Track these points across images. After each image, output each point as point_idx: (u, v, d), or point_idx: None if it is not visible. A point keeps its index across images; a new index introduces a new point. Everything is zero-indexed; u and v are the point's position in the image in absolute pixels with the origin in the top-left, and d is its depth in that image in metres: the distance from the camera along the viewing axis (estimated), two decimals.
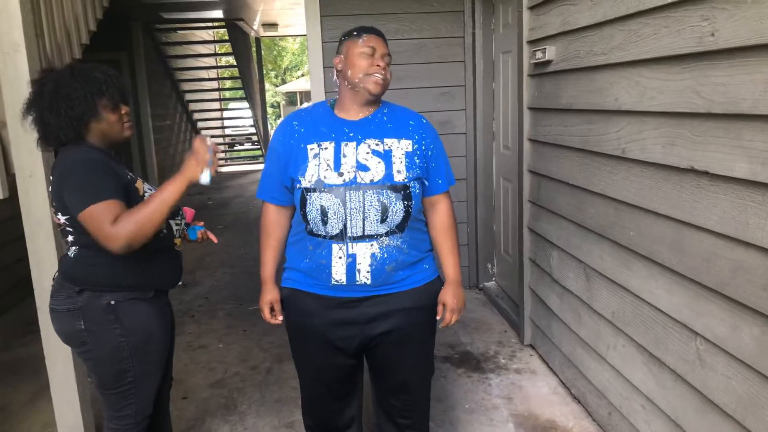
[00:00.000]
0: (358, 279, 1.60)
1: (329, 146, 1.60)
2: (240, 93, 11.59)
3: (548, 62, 2.55)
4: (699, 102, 1.58)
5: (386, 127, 1.64)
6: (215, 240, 1.97)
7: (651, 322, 1.92)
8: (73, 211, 1.55)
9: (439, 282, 1.75)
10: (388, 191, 1.57)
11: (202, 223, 1.95)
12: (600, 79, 2.12)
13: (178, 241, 1.84)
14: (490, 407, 2.56)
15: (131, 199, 1.62)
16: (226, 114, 12.92)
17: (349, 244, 1.58)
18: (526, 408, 2.55)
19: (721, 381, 1.59)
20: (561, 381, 2.73)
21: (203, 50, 10.83)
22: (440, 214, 1.74)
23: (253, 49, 11.17)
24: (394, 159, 1.59)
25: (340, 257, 1.59)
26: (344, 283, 1.60)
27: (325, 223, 1.57)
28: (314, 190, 1.57)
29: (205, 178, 1.57)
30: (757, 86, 1.38)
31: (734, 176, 1.47)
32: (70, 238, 1.68)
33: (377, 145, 1.60)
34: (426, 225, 1.74)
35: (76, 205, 1.53)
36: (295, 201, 1.64)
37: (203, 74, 11.03)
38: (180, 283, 4.59)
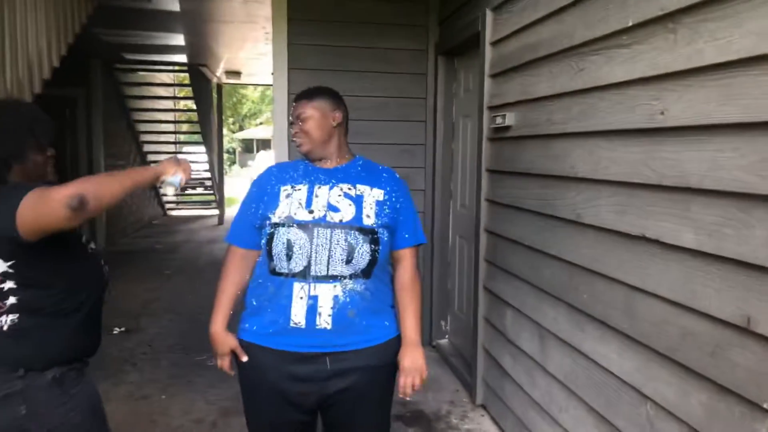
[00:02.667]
0: (318, 323, 1.58)
1: (302, 188, 1.67)
2: (197, 137, 11.52)
3: (508, 128, 2.67)
4: (650, 174, 1.68)
5: (360, 175, 1.72)
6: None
7: (602, 385, 1.95)
8: (9, 218, 1.27)
9: (399, 341, 1.72)
10: (356, 232, 1.61)
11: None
12: (557, 147, 2.23)
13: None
14: None
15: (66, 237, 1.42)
16: (180, 157, 12.76)
17: (312, 285, 1.58)
18: None
19: None
20: None
21: (163, 92, 10.78)
22: (404, 270, 1.74)
23: (214, 94, 11.20)
24: (364, 204, 1.65)
25: (302, 297, 1.59)
26: (303, 326, 1.58)
27: (289, 258, 1.59)
28: (283, 225, 1.61)
29: (175, 179, 1.53)
30: (703, 163, 1.48)
31: (683, 246, 1.55)
32: (11, 299, 1.40)
33: (350, 189, 1.67)
34: (391, 281, 1.75)
35: (8, 213, 1.27)
36: (262, 238, 1.66)
37: (161, 116, 10.94)
38: (122, 328, 4.38)
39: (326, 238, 1.58)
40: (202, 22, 6.05)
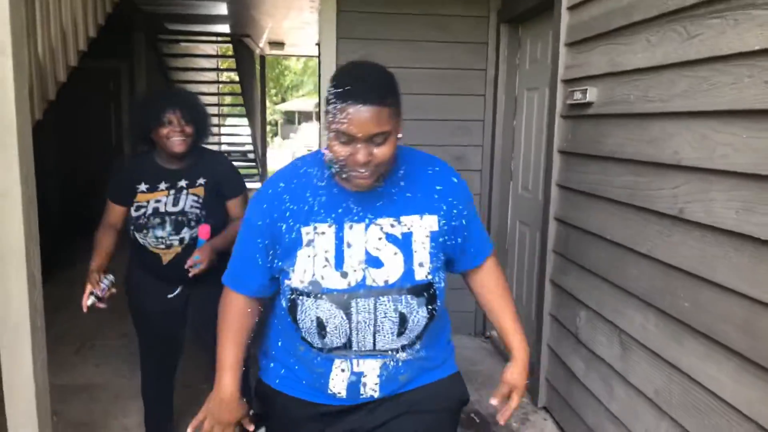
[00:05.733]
0: (362, 393, 1.26)
1: (328, 231, 1.20)
2: (239, 109, 11.40)
3: (588, 104, 2.34)
4: None
5: (404, 198, 1.24)
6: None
7: (708, 410, 1.67)
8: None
9: (460, 379, 1.40)
10: (408, 296, 1.20)
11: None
12: (655, 128, 1.91)
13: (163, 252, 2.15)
14: None
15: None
16: (223, 130, 12.71)
17: (355, 361, 1.23)
18: None
19: None
20: None
21: (206, 64, 10.66)
22: (488, 276, 1.40)
23: (257, 66, 11.02)
24: (415, 245, 1.22)
25: (343, 370, 1.25)
26: (344, 396, 1.27)
27: (322, 336, 1.21)
28: (307, 295, 1.19)
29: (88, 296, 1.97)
30: None
31: None
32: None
33: (393, 226, 1.22)
34: (443, 301, 1.31)
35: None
36: (282, 298, 1.27)
37: (204, 88, 10.84)
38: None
39: (369, 312, 1.18)
40: None
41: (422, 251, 1.22)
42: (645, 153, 1.96)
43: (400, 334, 1.21)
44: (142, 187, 2.15)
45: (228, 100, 11.73)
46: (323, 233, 1.20)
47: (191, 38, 9.09)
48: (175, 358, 2.40)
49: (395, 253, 1.20)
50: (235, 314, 1.31)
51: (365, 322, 1.18)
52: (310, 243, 1.19)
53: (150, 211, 2.11)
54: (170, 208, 2.12)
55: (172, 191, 2.15)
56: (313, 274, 1.18)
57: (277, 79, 23.27)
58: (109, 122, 7.35)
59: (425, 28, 3.54)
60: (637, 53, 2.01)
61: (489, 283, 1.40)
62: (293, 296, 1.20)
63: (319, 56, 3.78)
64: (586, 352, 2.40)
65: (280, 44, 9.53)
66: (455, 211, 1.27)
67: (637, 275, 2.01)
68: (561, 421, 2.68)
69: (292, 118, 28.03)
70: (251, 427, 1.34)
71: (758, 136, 1.47)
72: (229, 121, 13.64)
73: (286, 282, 1.21)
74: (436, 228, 1.24)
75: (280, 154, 16.97)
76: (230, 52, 9.90)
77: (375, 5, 3.50)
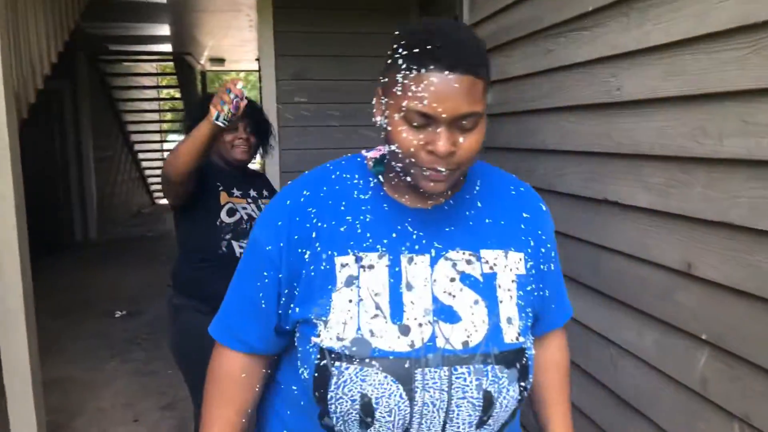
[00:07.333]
0: None
1: (378, 264, 0.86)
2: (182, 125, 11.60)
3: (488, 106, 2.85)
4: (610, 144, 1.89)
5: (483, 224, 0.92)
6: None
7: (576, 336, 2.18)
8: None
9: None
10: (497, 367, 0.84)
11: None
12: (531, 123, 2.43)
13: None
14: None
15: (204, 199, 1.99)
16: (167, 146, 12.84)
17: None
18: None
19: (630, 380, 1.85)
20: None
21: (148, 82, 10.83)
22: (553, 353, 1.07)
23: (198, 82, 11.26)
24: (500, 293, 0.88)
25: None
26: None
27: (365, 426, 0.82)
28: (350, 359, 0.81)
29: (213, 117, 1.67)
30: (651, 132, 1.69)
31: (638, 205, 1.77)
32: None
33: (469, 263, 0.88)
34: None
35: None
36: (303, 367, 0.87)
37: (146, 105, 11.00)
38: (123, 312, 4.63)
39: (441, 389, 0.81)
40: (187, 12, 6.14)
41: (509, 302, 0.88)
42: (525, 143, 2.48)
43: (480, 425, 0.84)
44: (220, 186, 2.03)
45: (169, 116, 11.88)
46: (371, 267, 0.85)
47: (133, 58, 9.29)
48: None
49: (476, 302, 0.86)
50: (226, 381, 0.94)
51: (434, 405, 0.81)
52: (351, 281, 0.84)
53: (245, 216, 2.04)
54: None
55: (249, 200, 2.07)
56: (359, 328, 0.82)
57: None
58: (53, 144, 7.49)
59: (355, 44, 4.01)
60: (516, 63, 2.53)
61: (555, 357, 1.06)
62: (324, 362, 0.82)
63: (259, 71, 4.18)
64: None
65: (220, 60, 9.84)
66: (543, 249, 0.96)
67: None
68: None
69: None
70: None
71: (591, 124, 2.00)
72: (172, 137, 13.76)
73: (314, 339, 0.84)
74: (522, 271, 0.92)
75: None
76: (170, 69, 10.13)
77: (308, 25, 3.94)
